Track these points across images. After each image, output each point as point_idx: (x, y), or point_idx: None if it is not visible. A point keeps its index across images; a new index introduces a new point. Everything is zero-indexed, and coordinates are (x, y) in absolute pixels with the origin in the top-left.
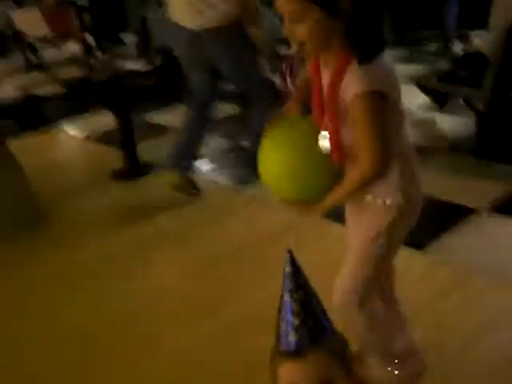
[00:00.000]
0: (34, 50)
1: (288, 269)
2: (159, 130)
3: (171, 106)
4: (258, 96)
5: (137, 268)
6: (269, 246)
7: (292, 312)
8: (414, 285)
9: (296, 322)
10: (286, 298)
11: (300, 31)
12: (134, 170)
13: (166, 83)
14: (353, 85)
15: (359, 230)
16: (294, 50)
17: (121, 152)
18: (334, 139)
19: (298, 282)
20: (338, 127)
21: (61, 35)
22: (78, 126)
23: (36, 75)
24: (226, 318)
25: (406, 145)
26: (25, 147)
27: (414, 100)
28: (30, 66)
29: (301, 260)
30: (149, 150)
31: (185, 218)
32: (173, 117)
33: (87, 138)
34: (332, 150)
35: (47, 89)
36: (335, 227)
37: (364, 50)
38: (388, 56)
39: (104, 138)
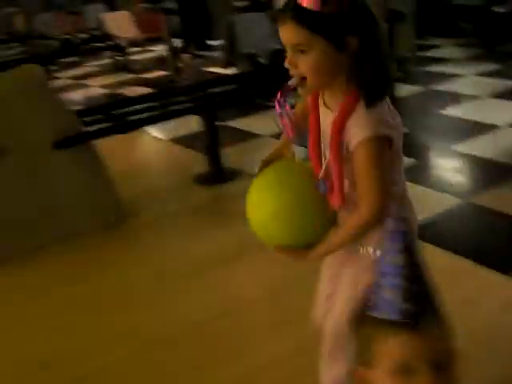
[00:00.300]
0: (122, 51)
1: (394, 228)
2: (244, 136)
3: (256, 113)
4: None
5: (213, 274)
6: None
7: (402, 276)
8: (500, 311)
9: (408, 286)
10: (394, 260)
11: (304, 63)
12: (217, 175)
13: (252, 89)
14: (359, 128)
15: (348, 277)
16: (293, 82)
17: (205, 156)
18: (335, 182)
19: (407, 242)
20: (341, 169)
21: (149, 38)
22: (163, 128)
23: (123, 76)
24: (305, 334)
25: (403, 188)
26: (109, 148)
27: (502, 116)
28: (117, 67)
29: None
30: (232, 155)
31: None
32: (258, 123)
33: (171, 140)
34: (330, 194)
35: (133, 90)
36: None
37: (372, 91)
38: (476, 69)
39: (188, 142)
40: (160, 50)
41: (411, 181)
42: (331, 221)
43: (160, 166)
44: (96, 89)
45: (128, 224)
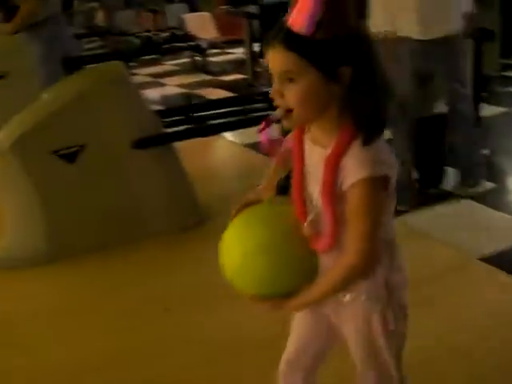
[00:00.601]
0: (202, 52)
1: None
2: None
3: None
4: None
5: None
6: (426, 287)
7: None
8: None
9: None
10: None
11: (291, 92)
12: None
13: None
14: (355, 167)
15: (347, 332)
16: (277, 114)
17: None
18: (327, 225)
19: None
20: (334, 212)
21: (229, 40)
22: (239, 132)
23: (201, 77)
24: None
25: (391, 232)
26: (184, 150)
27: None
28: (196, 68)
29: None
30: None
31: None
32: None
33: (247, 145)
34: (316, 238)
35: (210, 91)
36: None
37: (370, 127)
38: None
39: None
40: (239, 53)
41: (489, 206)
42: (313, 266)
43: (234, 171)
44: (173, 88)
45: (204, 227)
